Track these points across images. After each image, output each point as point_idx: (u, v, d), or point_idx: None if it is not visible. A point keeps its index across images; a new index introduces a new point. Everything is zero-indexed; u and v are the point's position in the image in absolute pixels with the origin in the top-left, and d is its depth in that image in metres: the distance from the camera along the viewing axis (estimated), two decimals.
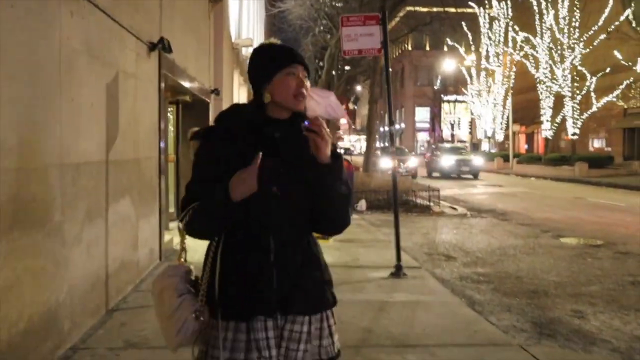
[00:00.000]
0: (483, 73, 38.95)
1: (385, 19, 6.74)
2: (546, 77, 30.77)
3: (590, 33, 27.84)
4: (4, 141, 2.98)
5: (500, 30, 36.21)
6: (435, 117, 53.43)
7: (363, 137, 45.03)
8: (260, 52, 1.90)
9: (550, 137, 32.51)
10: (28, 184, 3.29)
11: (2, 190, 2.97)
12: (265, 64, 1.84)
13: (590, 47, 27.81)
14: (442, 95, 51.38)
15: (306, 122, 1.72)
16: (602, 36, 26.89)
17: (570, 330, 4.76)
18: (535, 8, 30.55)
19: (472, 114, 42.92)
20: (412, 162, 26.79)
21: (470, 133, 49.24)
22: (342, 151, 42.65)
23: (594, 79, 27.90)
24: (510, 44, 34.47)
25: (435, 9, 26.11)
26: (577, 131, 29.86)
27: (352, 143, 56.67)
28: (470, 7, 35.51)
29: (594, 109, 28.51)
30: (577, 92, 29.39)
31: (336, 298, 1.92)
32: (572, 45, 29.06)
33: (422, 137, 55.18)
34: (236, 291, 1.77)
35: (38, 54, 3.44)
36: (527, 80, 33.20)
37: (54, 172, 3.61)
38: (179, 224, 1.87)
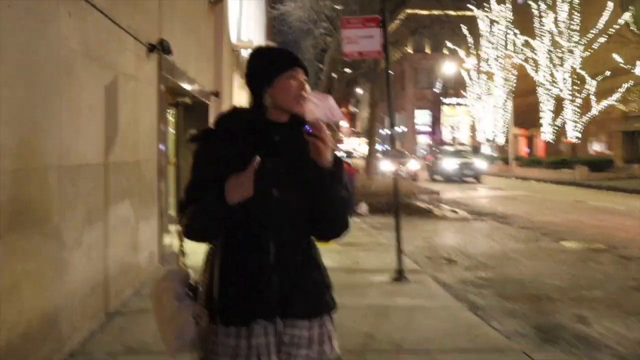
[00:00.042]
0: (483, 76, 38.95)
1: (386, 21, 6.71)
2: (546, 80, 30.77)
3: (590, 36, 27.84)
4: (2, 142, 2.95)
5: (500, 33, 36.20)
6: (436, 120, 53.42)
7: (364, 139, 45.06)
8: (259, 55, 1.90)
9: (550, 141, 32.50)
10: (27, 185, 3.26)
11: (1, 191, 2.94)
12: (266, 67, 1.83)
13: (590, 50, 27.82)
14: (441, 98, 51.38)
15: (307, 127, 1.70)
16: (602, 39, 26.88)
17: (573, 336, 4.72)
18: (535, 11, 30.56)
19: (472, 116, 42.89)
20: (413, 165, 26.76)
21: (471, 136, 49.21)
22: (343, 154, 42.68)
23: (594, 82, 27.90)
24: (510, 46, 34.47)
25: (435, 12, 26.10)
26: (579, 134, 29.84)
27: (354, 147, 56.65)
28: (470, 10, 35.49)
29: (594, 112, 28.50)
30: (577, 95, 29.38)
31: (336, 302, 1.90)
32: (572, 49, 29.06)
33: (423, 140, 55.08)
34: (236, 292, 1.75)
35: (37, 55, 3.42)
36: (528, 83, 33.17)
37: (53, 173, 3.58)
38: (177, 226, 1.85)
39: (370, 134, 19.13)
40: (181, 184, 9.03)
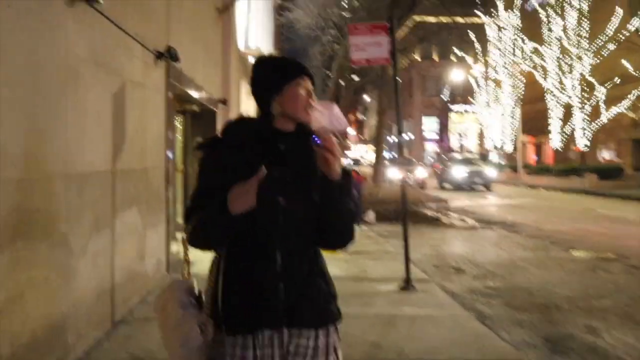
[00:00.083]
0: (491, 83, 38.87)
1: (394, 28, 6.67)
2: (555, 87, 30.66)
3: (599, 43, 27.74)
4: (6, 150, 2.95)
5: (508, 40, 36.14)
6: (444, 128, 53.32)
7: (371, 147, 45.00)
8: (265, 64, 1.89)
9: (559, 148, 32.34)
10: (32, 194, 3.26)
11: (4, 200, 2.93)
12: (274, 75, 1.83)
13: (599, 57, 27.70)
14: (449, 106, 51.29)
15: (315, 137, 1.69)
16: (611, 46, 26.76)
17: (583, 347, 4.66)
18: (543, 18, 30.49)
19: (480, 124, 42.78)
20: (421, 172, 26.65)
21: (479, 144, 49.08)
22: (350, 162, 42.58)
23: (603, 89, 27.75)
24: (518, 53, 34.41)
25: (443, 19, 26.07)
26: (588, 142, 29.67)
27: (362, 155, 56.68)
28: (478, 17, 35.46)
29: (604, 119, 28.34)
30: (586, 102, 29.23)
31: (341, 312, 1.89)
32: (581, 55, 28.95)
33: (431, 147, 54.98)
34: (242, 300, 1.74)
35: (43, 62, 3.42)
36: (536, 91, 33.05)
37: (59, 182, 3.58)
38: (183, 234, 1.84)
39: (377, 142, 19.10)
40: (188, 192, 9.04)
